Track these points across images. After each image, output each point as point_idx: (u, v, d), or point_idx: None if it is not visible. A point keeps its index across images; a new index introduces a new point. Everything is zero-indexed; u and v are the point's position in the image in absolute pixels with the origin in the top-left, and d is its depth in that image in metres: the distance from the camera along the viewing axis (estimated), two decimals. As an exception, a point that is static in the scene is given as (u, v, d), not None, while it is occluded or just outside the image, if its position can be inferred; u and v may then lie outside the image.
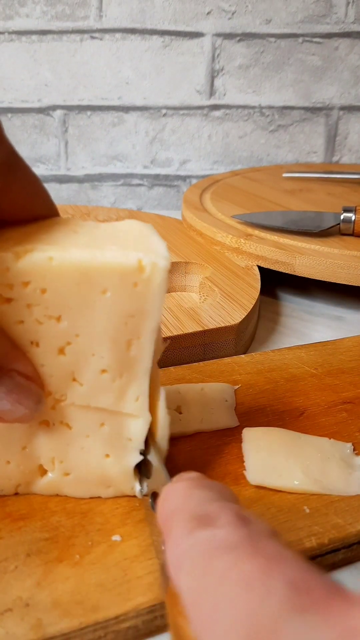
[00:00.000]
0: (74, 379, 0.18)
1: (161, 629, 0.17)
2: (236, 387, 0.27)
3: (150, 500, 0.19)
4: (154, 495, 0.19)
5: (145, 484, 0.20)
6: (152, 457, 0.20)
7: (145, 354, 0.18)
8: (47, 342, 0.18)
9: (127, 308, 0.17)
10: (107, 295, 0.17)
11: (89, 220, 0.48)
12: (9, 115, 0.62)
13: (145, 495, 0.20)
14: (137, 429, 0.19)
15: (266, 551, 0.12)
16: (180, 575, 0.13)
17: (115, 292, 0.17)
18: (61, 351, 0.18)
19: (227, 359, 0.29)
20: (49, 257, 0.17)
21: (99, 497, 0.20)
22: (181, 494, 0.15)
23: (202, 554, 0.12)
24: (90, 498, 0.20)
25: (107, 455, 0.20)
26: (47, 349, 0.18)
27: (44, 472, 0.20)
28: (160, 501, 0.15)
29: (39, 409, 0.18)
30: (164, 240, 0.18)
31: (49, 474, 0.20)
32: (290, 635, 0.10)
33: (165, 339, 0.30)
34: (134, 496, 0.20)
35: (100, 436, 0.19)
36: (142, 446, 0.19)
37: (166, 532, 0.14)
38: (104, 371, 0.18)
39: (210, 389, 0.26)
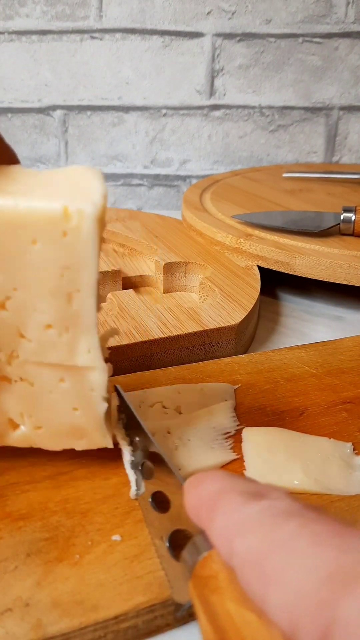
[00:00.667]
0: (22, 335, 0.18)
1: (161, 628, 0.17)
2: (236, 386, 0.27)
3: (150, 501, 0.19)
4: (156, 495, 0.19)
5: (142, 485, 0.20)
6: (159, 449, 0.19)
7: (87, 307, 0.18)
8: None
9: (60, 259, 0.17)
10: (37, 245, 0.17)
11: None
12: (9, 115, 0.62)
13: (139, 497, 0.20)
14: (97, 379, 0.19)
15: (328, 519, 0.12)
16: (237, 540, 0.13)
17: (44, 242, 0.17)
18: (2, 306, 0.18)
19: (227, 359, 0.29)
20: None
21: (75, 452, 0.20)
22: (220, 477, 0.15)
23: (266, 519, 0.12)
24: (63, 450, 0.20)
25: (75, 409, 0.20)
26: None
27: (15, 425, 0.20)
28: (194, 486, 0.15)
29: None
30: (105, 187, 0.17)
31: (21, 427, 0.20)
32: None
33: (165, 339, 0.30)
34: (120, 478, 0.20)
35: (63, 391, 0.19)
36: (105, 394, 0.19)
37: (211, 510, 0.14)
38: (49, 326, 0.18)
39: (210, 389, 0.26)
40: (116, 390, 0.23)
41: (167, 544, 0.18)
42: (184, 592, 0.16)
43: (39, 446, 0.21)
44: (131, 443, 0.21)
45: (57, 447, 0.20)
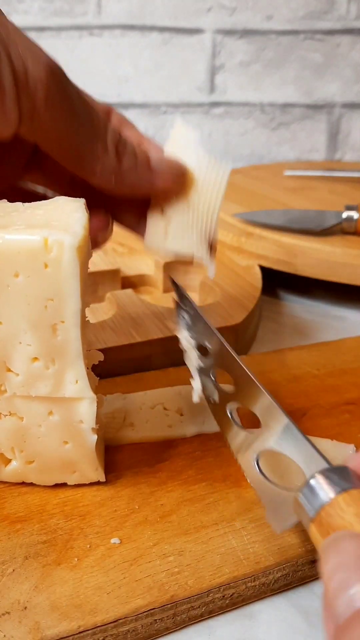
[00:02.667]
0: (8, 369, 0.18)
1: (160, 632, 0.17)
2: None
3: (230, 414, 0.18)
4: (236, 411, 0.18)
5: (216, 393, 0.19)
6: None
7: (72, 337, 0.18)
8: None
9: (43, 291, 0.17)
10: (19, 278, 0.17)
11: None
12: (9, 112, 0.62)
13: (215, 408, 0.19)
14: (85, 410, 0.19)
15: None
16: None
17: (26, 274, 0.17)
18: None
19: (227, 359, 0.29)
20: None
21: (66, 484, 0.20)
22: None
23: None
24: (55, 485, 0.20)
25: (66, 442, 0.20)
26: None
27: (7, 460, 0.20)
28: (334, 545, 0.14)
29: None
30: (86, 216, 0.17)
31: (13, 462, 0.20)
32: None
33: (165, 339, 0.29)
34: (103, 482, 0.20)
35: (52, 424, 0.19)
36: (94, 425, 0.19)
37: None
38: (35, 359, 0.18)
39: None
40: (173, 283, 0.22)
41: (257, 466, 0.17)
42: (282, 517, 0.16)
43: (32, 481, 0.21)
44: (198, 347, 0.20)
45: (50, 481, 0.20)
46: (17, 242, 0.17)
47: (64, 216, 0.18)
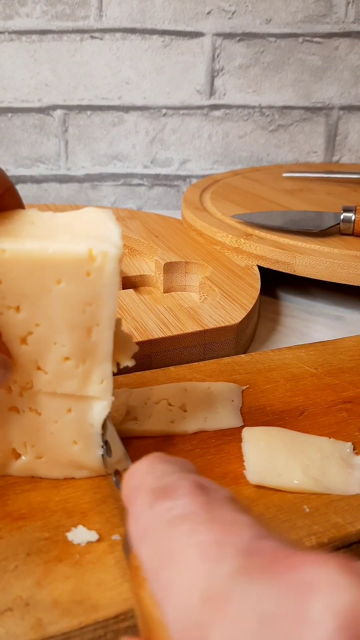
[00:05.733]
0: (39, 368, 0.19)
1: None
2: (244, 387, 0.27)
3: (114, 477, 0.20)
4: (117, 473, 0.20)
5: (107, 462, 0.20)
6: (110, 435, 0.20)
7: (105, 339, 0.19)
8: (9, 332, 0.18)
9: (83, 296, 0.18)
10: (62, 285, 0.18)
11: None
12: (9, 115, 0.62)
13: (109, 474, 0.20)
14: (98, 414, 0.20)
15: (222, 518, 0.12)
16: (142, 547, 0.13)
17: (69, 281, 0.18)
18: (23, 341, 0.19)
19: (227, 359, 0.29)
20: (1, 249, 0.17)
21: (73, 479, 0.21)
22: (143, 470, 0.15)
23: (161, 525, 0.13)
24: (65, 479, 0.21)
25: (75, 442, 0.20)
26: (10, 338, 0.19)
27: (17, 455, 0.21)
28: (125, 480, 0.15)
29: (6, 376, 0.18)
30: (120, 228, 0.19)
31: (23, 457, 0.21)
32: (241, 598, 0.10)
33: (165, 338, 0.30)
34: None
35: (68, 422, 0.20)
36: (100, 430, 0.20)
37: (128, 508, 0.14)
38: (67, 358, 0.19)
39: (217, 388, 0.26)
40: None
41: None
42: None
43: (39, 475, 0.21)
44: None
45: (58, 475, 0.21)
46: (64, 252, 0.17)
47: (100, 227, 0.19)
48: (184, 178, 0.66)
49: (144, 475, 0.15)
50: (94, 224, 0.19)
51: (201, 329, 0.30)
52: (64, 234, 0.18)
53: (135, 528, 0.14)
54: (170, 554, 0.12)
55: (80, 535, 0.19)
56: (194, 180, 0.66)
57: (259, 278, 0.37)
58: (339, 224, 0.41)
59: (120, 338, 0.20)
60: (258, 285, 0.36)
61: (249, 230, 0.42)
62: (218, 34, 0.60)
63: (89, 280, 0.18)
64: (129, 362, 0.20)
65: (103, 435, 0.20)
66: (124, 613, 0.17)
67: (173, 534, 0.12)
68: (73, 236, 0.18)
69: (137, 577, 0.14)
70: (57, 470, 0.21)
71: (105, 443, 0.20)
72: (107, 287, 0.18)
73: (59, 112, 0.62)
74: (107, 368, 0.19)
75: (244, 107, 0.64)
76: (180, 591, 0.11)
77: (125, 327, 0.31)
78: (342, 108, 0.65)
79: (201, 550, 0.11)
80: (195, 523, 0.12)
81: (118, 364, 0.20)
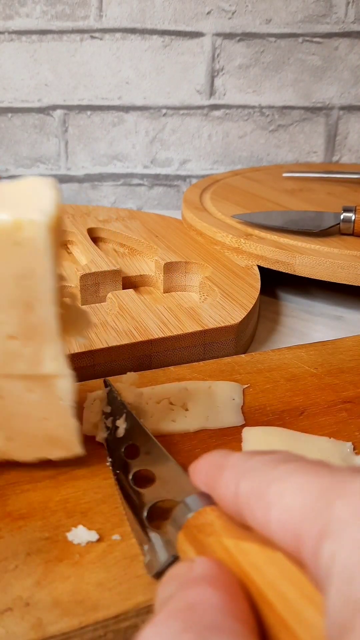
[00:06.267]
0: None
1: (161, 628, 0.17)
2: (244, 386, 0.27)
3: (131, 479, 0.20)
4: (137, 474, 0.20)
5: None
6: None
7: (49, 315, 0.18)
8: None
9: (15, 269, 0.17)
10: None
11: (89, 219, 0.48)
12: (9, 115, 0.62)
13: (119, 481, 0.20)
14: (65, 387, 0.19)
15: (325, 464, 0.13)
16: (242, 482, 0.14)
17: None
18: None
19: (227, 359, 0.29)
20: None
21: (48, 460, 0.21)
22: (227, 451, 0.16)
23: (266, 463, 0.14)
24: (39, 459, 0.21)
25: (46, 419, 0.20)
26: None
27: None
28: (203, 458, 0.16)
29: None
30: (57, 196, 0.17)
31: None
32: (356, 487, 0.11)
33: (165, 338, 0.30)
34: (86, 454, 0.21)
35: (33, 401, 0.19)
36: (72, 402, 0.19)
37: (219, 468, 0.15)
38: (12, 337, 0.18)
39: (218, 387, 0.26)
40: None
41: (146, 514, 0.18)
42: (164, 552, 0.17)
43: (13, 458, 0.21)
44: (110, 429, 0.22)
45: (31, 458, 0.21)
46: None
47: (35, 195, 0.17)
48: (184, 178, 0.66)
49: (223, 457, 0.15)
50: (29, 193, 0.18)
51: (201, 329, 0.30)
52: None
53: (232, 474, 0.14)
54: (279, 476, 0.13)
55: (81, 535, 0.19)
56: (194, 180, 0.66)
57: (259, 278, 0.37)
58: (339, 224, 0.41)
59: (73, 313, 0.20)
60: (258, 285, 0.36)
61: (249, 230, 0.42)
62: (218, 34, 0.60)
63: (18, 252, 0.16)
64: (82, 338, 0.20)
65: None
66: (124, 613, 0.17)
67: (281, 465, 0.13)
68: (1, 205, 0.17)
69: (204, 530, 0.14)
70: (30, 451, 0.20)
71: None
72: (40, 259, 0.17)
73: (59, 112, 0.62)
74: (57, 345, 0.18)
75: (244, 107, 0.64)
76: (293, 494, 0.12)
77: (126, 327, 0.31)
78: (342, 108, 0.65)
79: (313, 469, 0.13)
80: (302, 463, 0.13)
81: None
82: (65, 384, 0.19)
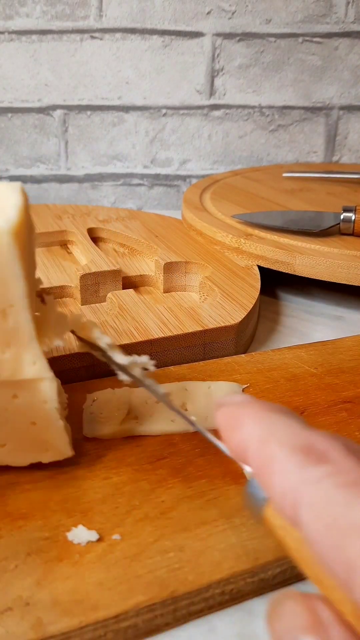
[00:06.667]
0: None
1: (161, 628, 0.17)
2: (244, 386, 0.27)
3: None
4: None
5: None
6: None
7: (24, 320, 0.18)
8: None
9: None
10: None
11: (89, 219, 0.48)
12: (9, 115, 0.62)
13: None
14: (47, 390, 0.19)
15: None
16: (306, 513, 0.12)
17: None
18: None
19: (227, 359, 0.29)
20: None
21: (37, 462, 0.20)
22: (259, 418, 0.14)
23: (333, 491, 0.12)
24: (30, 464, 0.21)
25: (34, 423, 0.20)
26: None
27: None
28: (231, 427, 0.15)
29: None
30: (21, 200, 0.17)
31: None
32: None
33: (165, 338, 0.30)
34: (71, 454, 0.20)
35: (18, 406, 0.19)
36: (57, 405, 0.20)
37: (264, 465, 0.13)
38: None
39: (218, 387, 0.26)
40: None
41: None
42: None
43: (6, 463, 0.21)
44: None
45: (24, 462, 0.21)
46: None
47: None
48: (184, 178, 0.66)
49: (268, 425, 0.14)
50: None
51: (201, 328, 0.30)
52: None
53: (285, 489, 0.13)
54: (355, 527, 0.11)
55: (81, 534, 0.19)
56: (194, 180, 0.66)
57: (259, 278, 0.37)
58: (339, 224, 0.41)
59: (51, 316, 0.20)
60: (258, 285, 0.36)
61: (249, 230, 0.42)
62: (218, 34, 0.60)
63: None
64: (59, 342, 0.20)
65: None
66: (124, 613, 0.17)
67: (356, 505, 0.11)
68: None
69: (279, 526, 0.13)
70: (22, 455, 0.21)
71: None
72: (8, 265, 0.17)
73: (59, 112, 0.62)
74: (35, 349, 0.19)
75: (244, 107, 0.64)
76: None
77: (126, 327, 0.31)
78: (342, 108, 0.65)
79: None
80: None
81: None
82: (48, 387, 0.19)
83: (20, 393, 0.19)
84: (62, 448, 0.21)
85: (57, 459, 0.21)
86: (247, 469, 0.15)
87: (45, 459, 0.21)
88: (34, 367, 0.19)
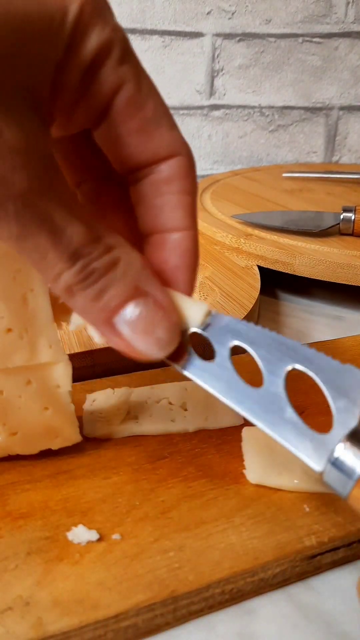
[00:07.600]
0: None
1: (161, 627, 0.17)
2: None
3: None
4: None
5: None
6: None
7: (43, 304, 0.19)
8: None
9: (10, 263, 0.18)
10: None
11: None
12: (9, 115, 0.62)
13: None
14: (61, 374, 0.20)
15: None
16: None
17: None
18: None
19: (227, 359, 0.29)
20: None
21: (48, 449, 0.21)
22: None
23: None
24: (40, 452, 0.21)
25: (46, 408, 0.20)
26: None
27: None
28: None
29: (171, 343, 0.16)
30: None
31: None
32: None
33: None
34: (79, 443, 0.21)
35: (32, 392, 0.20)
36: (70, 388, 0.20)
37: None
38: (9, 330, 0.19)
39: None
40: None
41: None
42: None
43: (16, 452, 0.21)
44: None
45: (34, 450, 0.21)
46: None
47: None
48: (183, 178, 0.66)
49: None
50: None
51: (201, 328, 0.30)
52: None
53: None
54: None
55: (81, 534, 0.19)
56: (193, 180, 0.66)
57: (259, 278, 0.37)
58: (338, 224, 0.41)
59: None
60: (258, 285, 0.36)
61: (249, 230, 0.42)
62: (218, 34, 0.60)
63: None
64: (72, 324, 0.20)
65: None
66: (124, 612, 0.17)
67: None
68: None
69: None
70: (33, 443, 0.21)
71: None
72: None
73: (59, 112, 0.62)
74: (52, 332, 0.19)
75: (244, 107, 0.64)
76: None
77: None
78: (342, 108, 0.65)
79: None
80: None
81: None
82: (62, 370, 0.20)
83: (34, 379, 0.20)
84: (71, 434, 0.21)
85: (67, 444, 0.21)
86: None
87: (55, 445, 0.21)
88: (49, 350, 0.19)
